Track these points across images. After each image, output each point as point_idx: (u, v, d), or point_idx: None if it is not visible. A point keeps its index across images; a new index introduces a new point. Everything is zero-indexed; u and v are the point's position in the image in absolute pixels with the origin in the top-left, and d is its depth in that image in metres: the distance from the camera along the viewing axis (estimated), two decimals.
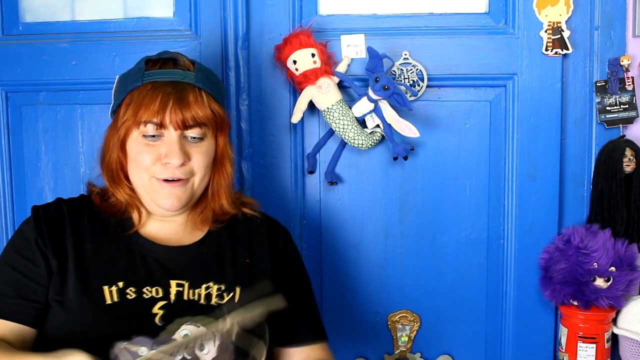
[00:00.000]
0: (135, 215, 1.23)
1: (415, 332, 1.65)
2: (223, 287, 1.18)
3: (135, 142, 1.17)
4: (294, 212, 1.61)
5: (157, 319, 1.11)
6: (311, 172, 1.61)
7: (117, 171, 1.20)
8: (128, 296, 1.12)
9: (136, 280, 1.15)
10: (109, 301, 1.11)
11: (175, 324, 1.07)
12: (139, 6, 1.62)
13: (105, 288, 1.13)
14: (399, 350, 1.66)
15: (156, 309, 1.12)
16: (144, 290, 1.14)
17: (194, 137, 1.18)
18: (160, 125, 1.14)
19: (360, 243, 1.64)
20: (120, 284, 1.13)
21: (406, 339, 1.66)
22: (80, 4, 1.63)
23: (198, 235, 1.25)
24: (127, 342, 1.02)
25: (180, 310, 1.11)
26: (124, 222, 1.22)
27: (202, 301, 1.16)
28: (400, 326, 1.65)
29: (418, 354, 1.66)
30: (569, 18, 1.52)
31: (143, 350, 1.01)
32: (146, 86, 1.16)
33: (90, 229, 1.20)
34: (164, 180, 1.17)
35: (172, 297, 1.14)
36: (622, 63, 1.53)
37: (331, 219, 1.63)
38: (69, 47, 1.58)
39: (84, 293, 1.12)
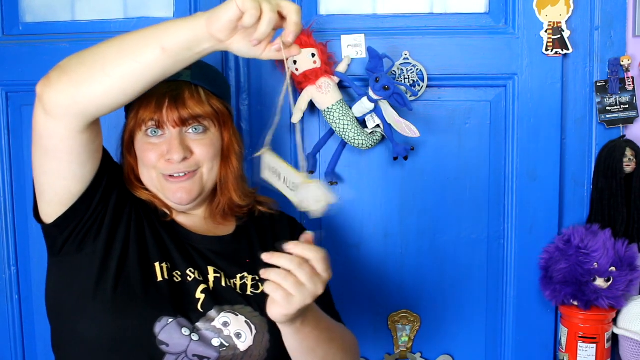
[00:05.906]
0: (163, 208, 1.25)
1: (415, 332, 1.65)
2: (258, 278, 1.20)
3: (140, 142, 1.20)
4: (294, 212, 1.61)
5: (199, 305, 1.13)
6: (311, 172, 1.61)
7: (128, 174, 1.24)
8: (175, 279, 1.16)
9: (180, 262, 1.18)
10: (159, 278, 1.14)
11: (214, 310, 1.12)
12: (139, 6, 1.62)
13: (157, 265, 1.16)
14: (399, 350, 1.66)
15: (198, 294, 1.14)
16: (187, 272, 1.17)
17: (196, 129, 1.20)
18: (159, 124, 1.17)
19: (360, 243, 1.64)
20: (168, 265, 1.17)
21: (406, 339, 1.66)
22: (80, 4, 1.63)
23: (227, 229, 1.28)
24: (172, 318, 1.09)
25: (220, 297, 1.15)
26: (158, 211, 1.25)
27: (237, 290, 1.18)
28: (400, 326, 1.65)
29: (418, 354, 1.66)
30: (569, 18, 1.52)
31: None
32: None
33: (142, 210, 1.22)
34: (169, 177, 1.20)
35: (211, 283, 1.17)
36: (622, 63, 1.53)
37: (331, 219, 1.63)
38: (69, 47, 1.57)
39: (140, 266, 1.14)
